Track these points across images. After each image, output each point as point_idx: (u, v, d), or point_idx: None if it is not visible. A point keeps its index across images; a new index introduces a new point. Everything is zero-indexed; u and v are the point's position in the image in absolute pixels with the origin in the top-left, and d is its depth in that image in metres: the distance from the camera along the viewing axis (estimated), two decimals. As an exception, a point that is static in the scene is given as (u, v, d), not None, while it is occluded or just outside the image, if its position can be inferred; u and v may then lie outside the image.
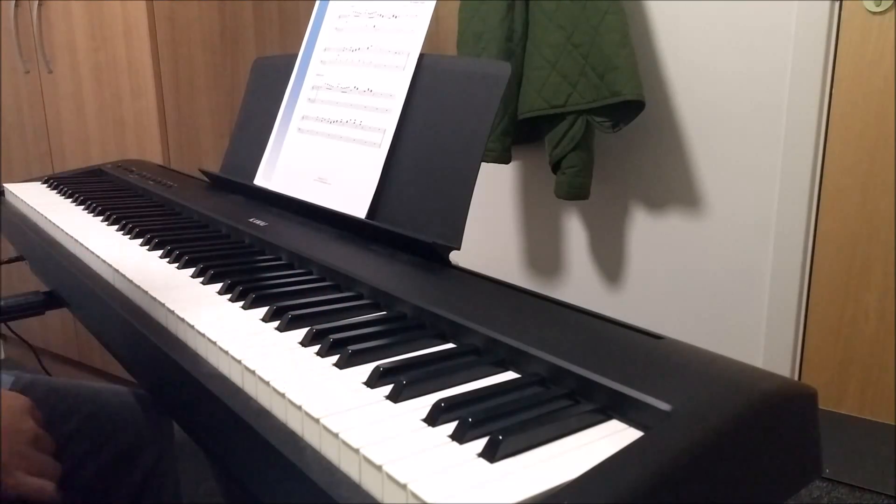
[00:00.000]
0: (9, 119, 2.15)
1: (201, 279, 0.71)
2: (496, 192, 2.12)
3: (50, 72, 1.95)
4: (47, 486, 0.62)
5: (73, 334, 2.13)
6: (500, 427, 0.40)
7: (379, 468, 0.38)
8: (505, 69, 0.75)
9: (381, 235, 0.79)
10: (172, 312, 0.61)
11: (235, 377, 0.52)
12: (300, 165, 0.95)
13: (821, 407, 0.91)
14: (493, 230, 2.16)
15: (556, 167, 1.75)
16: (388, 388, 0.47)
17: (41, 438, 0.64)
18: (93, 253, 0.80)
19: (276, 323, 0.59)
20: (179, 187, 1.12)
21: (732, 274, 1.77)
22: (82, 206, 1.05)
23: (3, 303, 0.99)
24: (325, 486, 0.39)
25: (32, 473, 0.61)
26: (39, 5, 1.90)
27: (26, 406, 0.64)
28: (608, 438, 0.41)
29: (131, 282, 0.69)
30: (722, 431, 0.39)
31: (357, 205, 0.84)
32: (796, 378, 1.74)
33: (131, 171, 1.30)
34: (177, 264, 0.75)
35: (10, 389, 0.78)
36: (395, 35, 0.88)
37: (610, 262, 1.96)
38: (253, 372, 0.49)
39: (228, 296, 0.66)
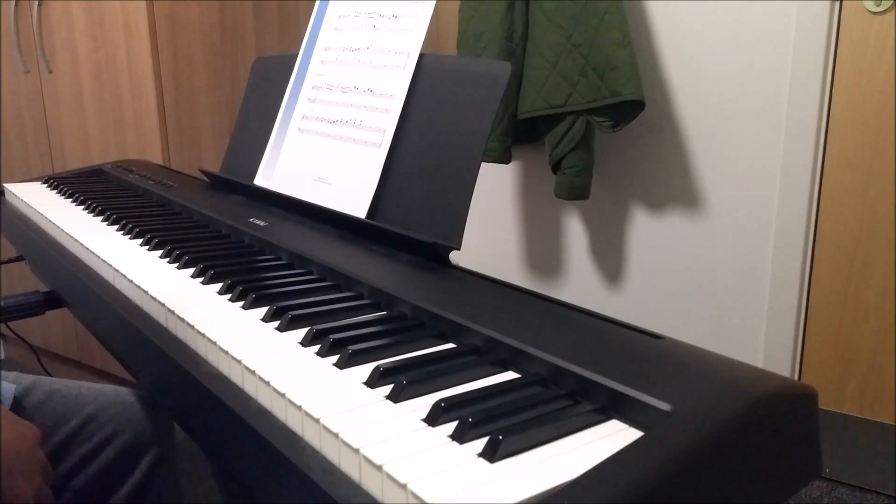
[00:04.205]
0: (9, 119, 2.15)
1: (201, 279, 0.71)
2: (496, 192, 2.12)
3: (50, 72, 1.95)
4: None
5: (73, 334, 2.13)
6: (500, 427, 0.40)
7: (379, 468, 0.38)
8: (505, 69, 0.75)
9: (381, 235, 0.79)
10: (172, 312, 0.61)
11: (235, 377, 0.52)
12: (300, 165, 0.95)
13: (821, 407, 0.91)
14: (493, 230, 2.16)
15: (556, 167, 1.75)
16: (388, 388, 0.47)
17: (48, 470, 0.65)
18: (93, 253, 0.80)
19: (277, 323, 0.59)
20: (179, 187, 1.12)
21: (732, 274, 1.77)
22: (82, 206, 1.05)
23: (3, 303, 0.99)
24: (325, 486, 0.39)
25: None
26: (39, 5, 1.90)
27: (40, 436, 0.64)
28: (608, 438, 0.41)
29: (131, 282, 0.69)
30: (722, 431, 0.39)
31: (357, 205, 0.84)
32: (796, 378, 1.74)
33: (131, 171, 1.30)
34: (177, 264, 0.75)
35: (14, 396, 0.78)
36: (395, 35, 0.88)
37: (610, 262, 1.96)
38: (253, 372, 0.49)
39: (228, 296, 0.66)
